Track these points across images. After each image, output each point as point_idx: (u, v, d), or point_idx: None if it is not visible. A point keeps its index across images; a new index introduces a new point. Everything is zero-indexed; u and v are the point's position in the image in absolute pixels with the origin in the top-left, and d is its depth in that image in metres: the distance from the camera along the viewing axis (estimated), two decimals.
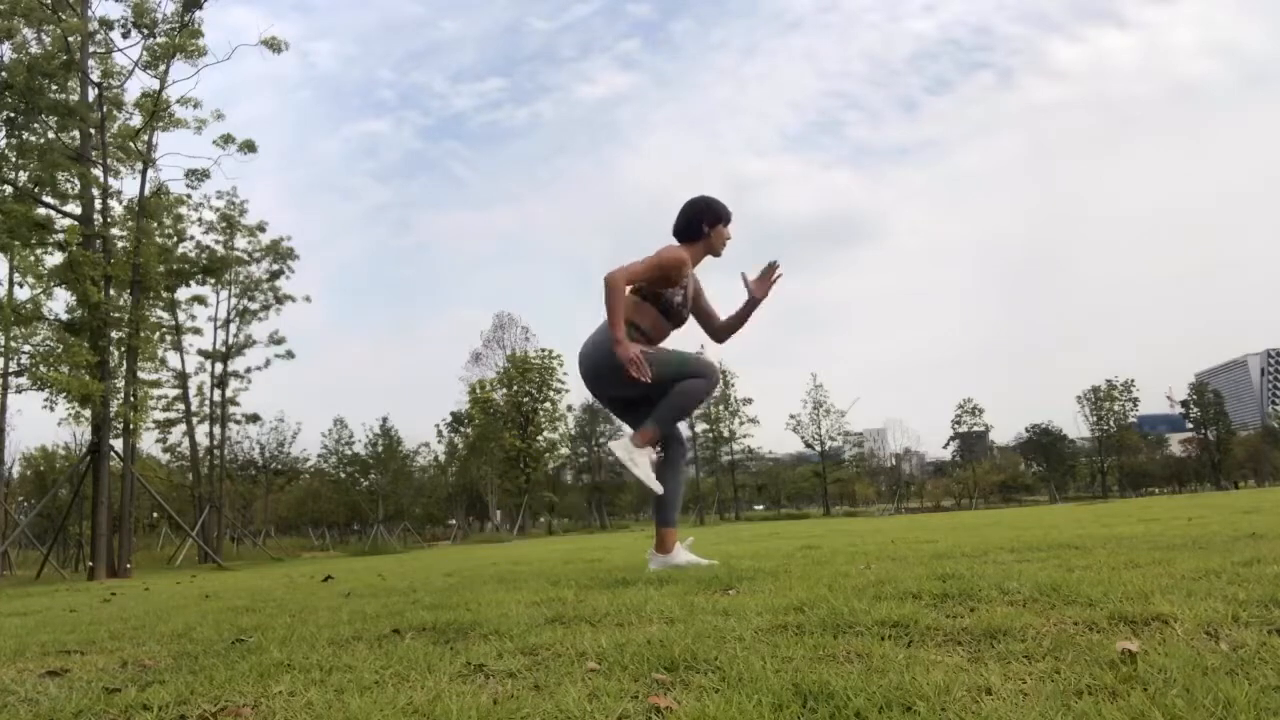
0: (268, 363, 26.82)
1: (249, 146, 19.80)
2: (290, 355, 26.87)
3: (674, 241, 3.73)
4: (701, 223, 3.70)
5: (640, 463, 3.53)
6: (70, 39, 16.23)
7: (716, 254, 3.77)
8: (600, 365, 3.57)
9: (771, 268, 3.87)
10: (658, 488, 3.56)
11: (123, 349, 17.66)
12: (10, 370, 18.11)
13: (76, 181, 16.64)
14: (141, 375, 19.54)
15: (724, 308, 3.96)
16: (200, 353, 26.73)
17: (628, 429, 3.75)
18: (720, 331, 3.96)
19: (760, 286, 3.86)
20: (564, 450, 53.78)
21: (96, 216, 16.84)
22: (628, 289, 3.57)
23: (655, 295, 3.63)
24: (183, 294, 24.05)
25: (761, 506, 71.39)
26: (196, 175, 19.89)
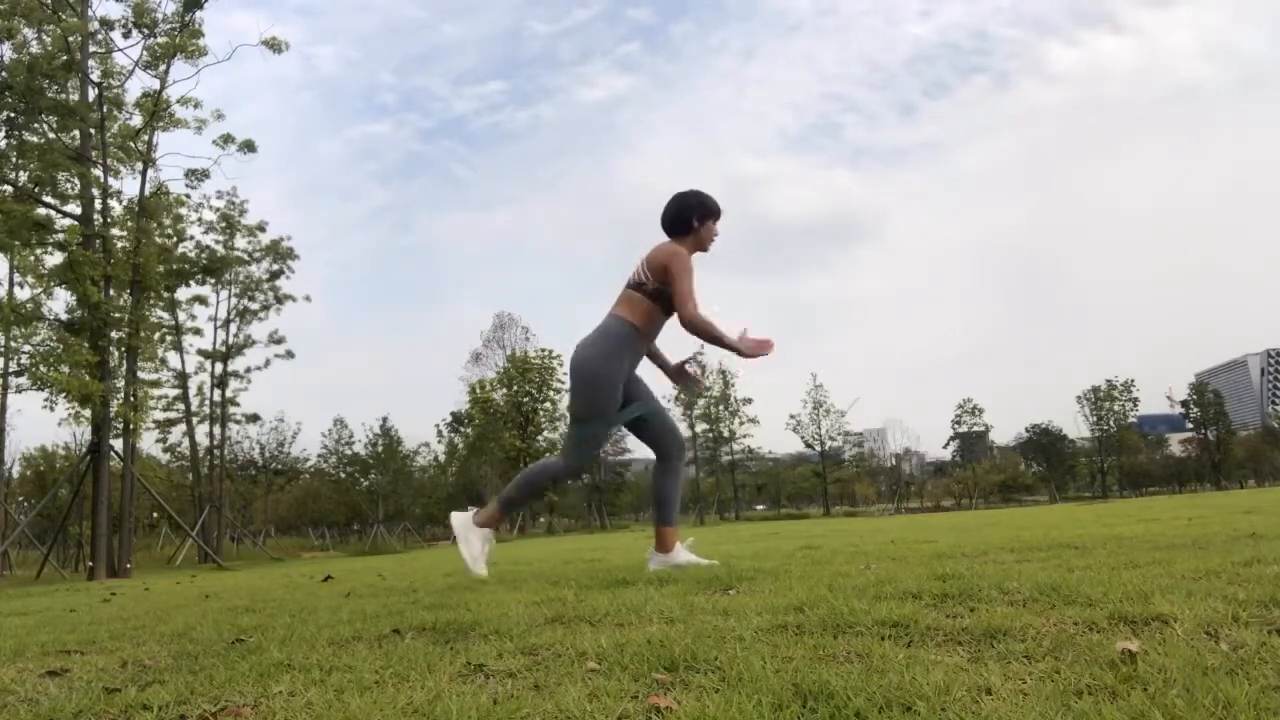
0: (268, 363, 26.83)
1: (249, 146, 19.81)
2: (290, 355, 26.88)
3: (663, 235, 3.62)
4: (692, 217, 3.60)
5: (471, 542, 3.49)
6: (70, 39, 16.22)
7: (704, 250, 3.67)
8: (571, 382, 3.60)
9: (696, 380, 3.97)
10: (479, 572, 3.50)
11: (123, 349, 17.65)
12: (10, 370, 18.11)
13: (76, 181, 16.63)
14: (141, 375, 19.55)
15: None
16: (200, 353, 26.74)
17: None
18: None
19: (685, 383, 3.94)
20: None
21: (96, 216, 16.83)
22: (640, 294, 3.53)
23: (658, 293, 3.51)
24: (183, 294, 24.06)
25: (761, 506, 71.30)
26: (196, 175, 19.91)
